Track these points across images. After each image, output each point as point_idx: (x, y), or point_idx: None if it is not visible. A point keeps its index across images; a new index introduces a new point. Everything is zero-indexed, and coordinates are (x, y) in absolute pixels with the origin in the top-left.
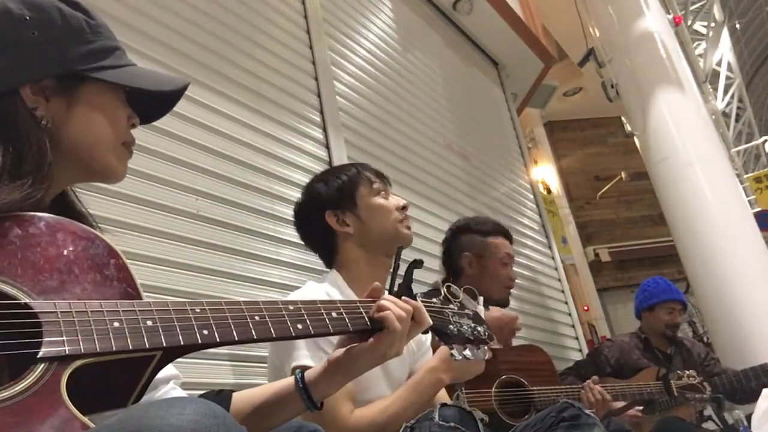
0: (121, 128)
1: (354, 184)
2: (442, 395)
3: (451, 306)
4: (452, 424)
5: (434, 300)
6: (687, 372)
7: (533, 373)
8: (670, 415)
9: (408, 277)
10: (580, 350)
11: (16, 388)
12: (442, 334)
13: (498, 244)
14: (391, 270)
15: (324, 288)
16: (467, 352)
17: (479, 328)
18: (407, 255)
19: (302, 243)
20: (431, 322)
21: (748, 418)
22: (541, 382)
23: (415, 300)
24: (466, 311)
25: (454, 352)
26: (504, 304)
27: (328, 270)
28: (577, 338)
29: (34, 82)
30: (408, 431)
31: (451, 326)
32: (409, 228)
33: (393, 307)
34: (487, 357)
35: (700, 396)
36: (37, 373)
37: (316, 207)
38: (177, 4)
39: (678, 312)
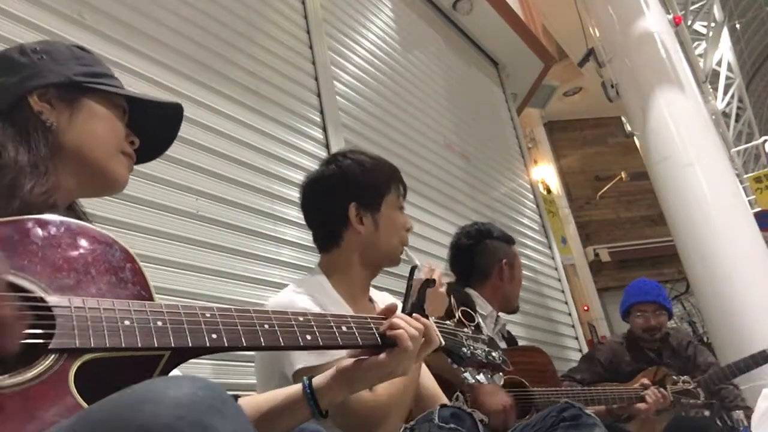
0: (119, 137)
1: (386, 189)
2: (442, 396)
3: (465, 330)
4: (452, 425)
5: (448, 322)
6: (682, 378)
7: (534, 374)
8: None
9: (421, 296)
10: (580, 350)
11: (25, 375)
12: (454, 356)
13: (518, 254)
14: (405, 289)
15: (309, 290)
16: (480, 377)
17: (494, 354)
18: (402, 267)
19: (302, 244)
20: (443, 342)
21: (749, 418)
22: (542, 383)
23: (428, 320)
24: (481, 336)
25: (467, 375)
26: (516, 310)
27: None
28: (577, 338)
29: (40, 91)
30: None
31: (464, 349)
32: (401, 253)
33: (406, 326)
34: (501, 383)
35: (694, 401)
36: (47, 363)
37: (344, 192)
38: (177, 4)
39: (652, 314)
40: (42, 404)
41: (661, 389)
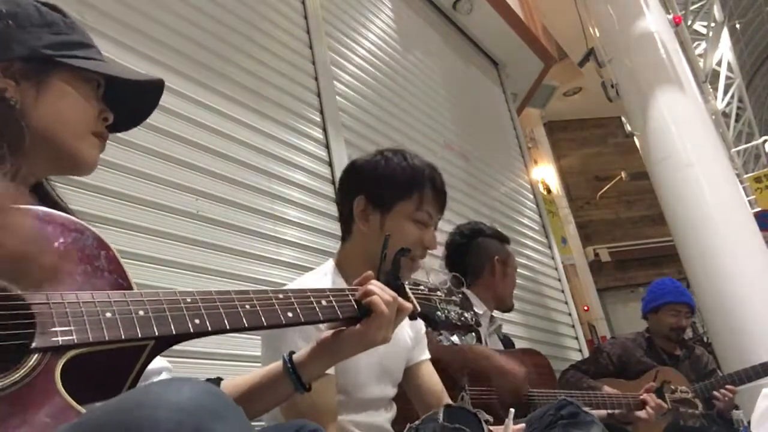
0: (90, 117)
1: (403, 195)
2: (446, 394)
3: (438, 293)
4: (457, 425)
5: (421, 286)
6: (680, 387)
7: (533, 376)
8: None
9: (395, 265)
10: (580, 350)
11: (10, 379)
12: (429, 320)
13: (512, 253)
14: (378, 258)
15: (319, 277)
16: (454, 338)
17: (466, 314)
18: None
19: (302, 244)
20: (418, 308)
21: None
22: (541, 384)
23: (403, 286)
24: (453, 297)
25: (442, 338)
26: (511, 308)
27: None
28: (577, 338)
29: (4, 65)
30: None
31: (438, 312)
32: (411, 270)
33: (379, 291)
34: (474, 343)
35: (692, 411)
36: (30, 363)
37: (359, 182)
38: (177, 4)
39: (684, 315)
40: (31, 406)
41: (658, 400)
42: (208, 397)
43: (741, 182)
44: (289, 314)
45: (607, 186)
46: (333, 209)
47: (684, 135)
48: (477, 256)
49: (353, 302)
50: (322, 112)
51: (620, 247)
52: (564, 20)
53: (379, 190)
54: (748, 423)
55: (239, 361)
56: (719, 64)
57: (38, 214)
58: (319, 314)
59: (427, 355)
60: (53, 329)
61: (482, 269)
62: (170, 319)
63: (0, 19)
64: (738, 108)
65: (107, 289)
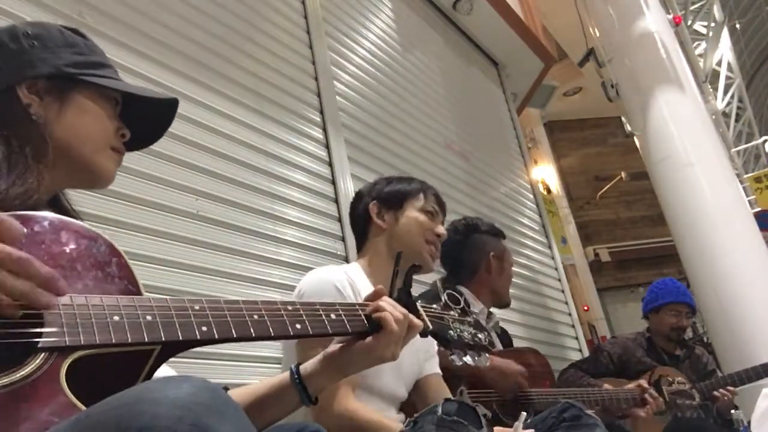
0: (108, 132)
1: (410, 193)
2: (445, 392)
3: (452, 313)
4: (455, 417)
5: (434, 306)
6: (677, 379)
7: (531, 376)
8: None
9: (407, 282)
10: (580, 350)
11: (16, 375)
12: (441, 339)
13: (507, 248)
14: (391, 274)
15: (344, 269)
16: (467, 358)
17: (480, 335)
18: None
19: (302, 244)
20: (430, 326)
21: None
22: (540, 384)
23: (415, 304)
24: (467, 318)
25: (455, 357)
26: (508, 304)
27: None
28: (577, 338)
29: (29, 82)
30: (411, 425)
31: (451, 331)
32: (432, 257)
33: (390, 308)
34: (488, 364)
35: (689, 402)
36: (37, 362)
37: (368, 195)
38: (177, 4)
39: (684, 315)
40: (35, 404)
41: (656, 394)
42: (208, 394)
43: (741, 182)
44: (298, 326)
45: (607, 186)
46: (333, 209)
47: (684, 135)
48: (472, 252)
49: (363, 317)
50: (322, 112)
51: (620, 247)
52: (564, 20)
53: (388, 195)
54: (748, 423)
55: (240, 361)
56: (719, 64)
57: (54, 221)
58: (328, 327)
59: (438, 370)
60: (61, 330)
61: (478, 266)
62: (177, 326)
63: (26, 40)
64: (738, 108)
65: (117, 294)
